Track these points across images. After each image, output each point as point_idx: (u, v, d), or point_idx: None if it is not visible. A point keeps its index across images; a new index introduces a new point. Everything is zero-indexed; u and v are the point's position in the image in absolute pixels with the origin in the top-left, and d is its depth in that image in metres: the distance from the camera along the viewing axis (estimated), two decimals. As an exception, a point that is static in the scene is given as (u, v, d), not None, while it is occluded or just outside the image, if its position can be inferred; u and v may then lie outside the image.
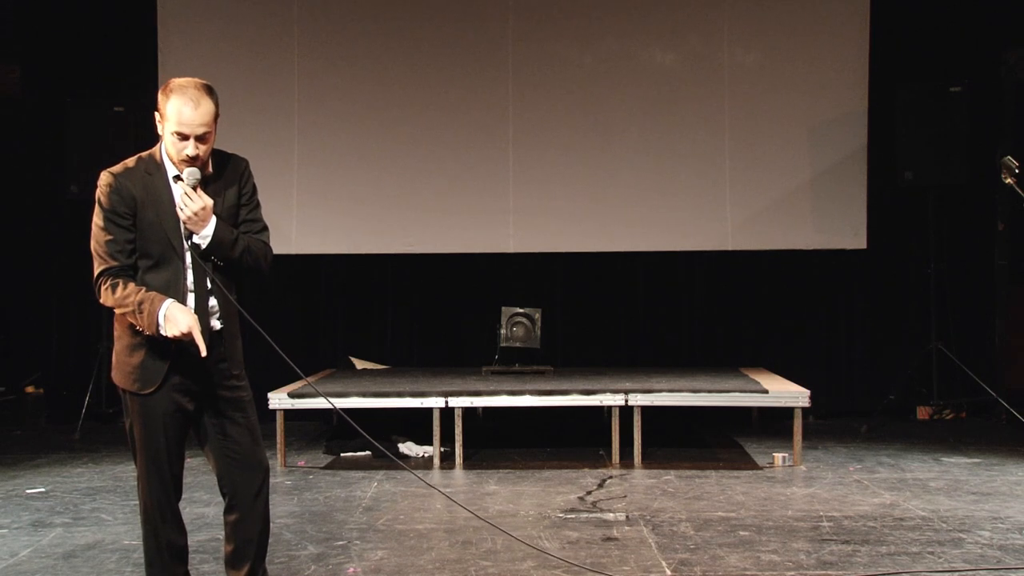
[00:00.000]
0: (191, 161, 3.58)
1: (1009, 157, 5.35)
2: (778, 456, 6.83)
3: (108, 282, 3.56)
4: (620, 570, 4.48)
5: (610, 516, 5.45)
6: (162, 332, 3.49)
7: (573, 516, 5.47)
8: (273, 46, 8.97)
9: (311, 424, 8.35)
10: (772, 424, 8.09)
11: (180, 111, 3.55)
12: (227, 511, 3.77)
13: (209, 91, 3.64)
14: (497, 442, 7.56)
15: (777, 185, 8.88)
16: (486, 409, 7.80)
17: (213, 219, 3.61)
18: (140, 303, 3.51)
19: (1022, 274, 9.02)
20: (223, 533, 3.83)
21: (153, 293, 3.54)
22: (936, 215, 8.49)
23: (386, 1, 9.01)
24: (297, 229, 8.95)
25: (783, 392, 6.98)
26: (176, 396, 3.63)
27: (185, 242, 3.61)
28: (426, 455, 7.13)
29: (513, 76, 8.92)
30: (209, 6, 9.03)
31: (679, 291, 9.14)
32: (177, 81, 3.64)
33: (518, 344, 8.25)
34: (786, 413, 7.04)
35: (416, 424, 7.41)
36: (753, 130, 8.88)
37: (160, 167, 3.64)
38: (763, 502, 5.75)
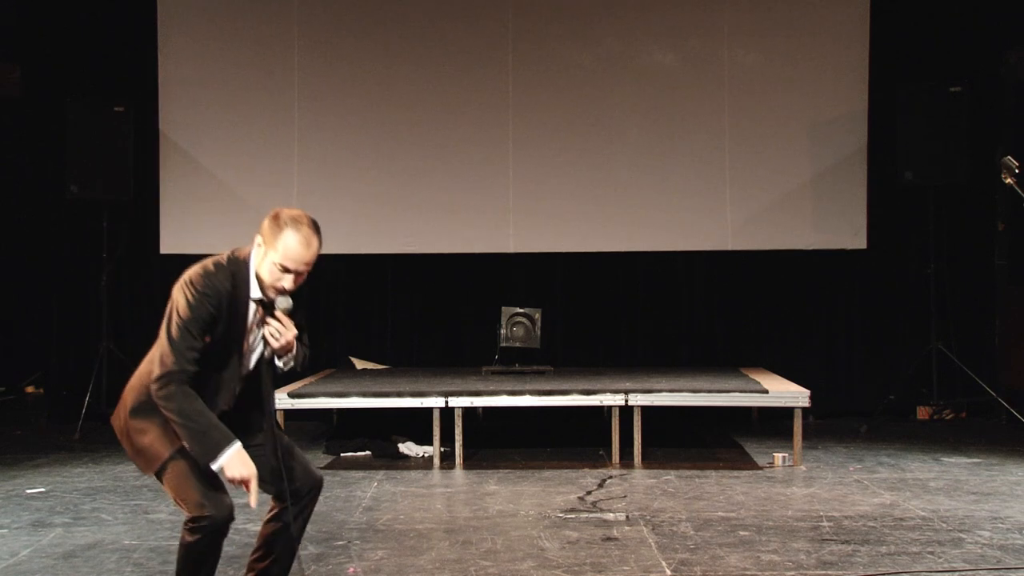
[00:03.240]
0: (284, 290, 3.57)
1: (1009, 157, 5.34)
2: (778, 456, 6.83)
3: (179, 388, 3.44)
4: (620, 570, 4.48)
5: (610, 516, 5.45)
6: (212, 466, 3.44)
7: (573, 516, 5.47)
8: (273, 46, 8.97)
9: (311, 424, 8.34)
10: (772, 424, 8.09)
11: (292, 247, 3.52)
12: (274, 519, 3.74)
13: (319, 230, 3.61)
14: (497, 442, 7.56)
15: (777, 185, 8.88)
16: (486, 409, 7.80)
17: (296, 345, 3.64)
18: (209, 429, 3.43)
19: (1022, 274, 9.01)
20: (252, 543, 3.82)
21: (223, 426, 3.47)
22: (936, 215, 8.49)
23: (386, 1, 9.01)
24: (297, 229, 8.93)
25: (783, 392, 6.98)
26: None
27: (267, 365, 3.62)
28: (426, 455, 7.13)
29: (513, 76, 8.92)
30: (209, 6, 9.03)
31: (679, 291, 9.15)
32: (289, 213, 3.58)
33: (518, 344, 8.25)
34: (786, 413, 7.04)
35: (416, 424, 7.41)
36: (753, 130, 8.88)
37: (246, 284, 3.60)
38: (763, 502, 5.75)
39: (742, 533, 5.07)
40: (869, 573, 4.40)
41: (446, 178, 8.95)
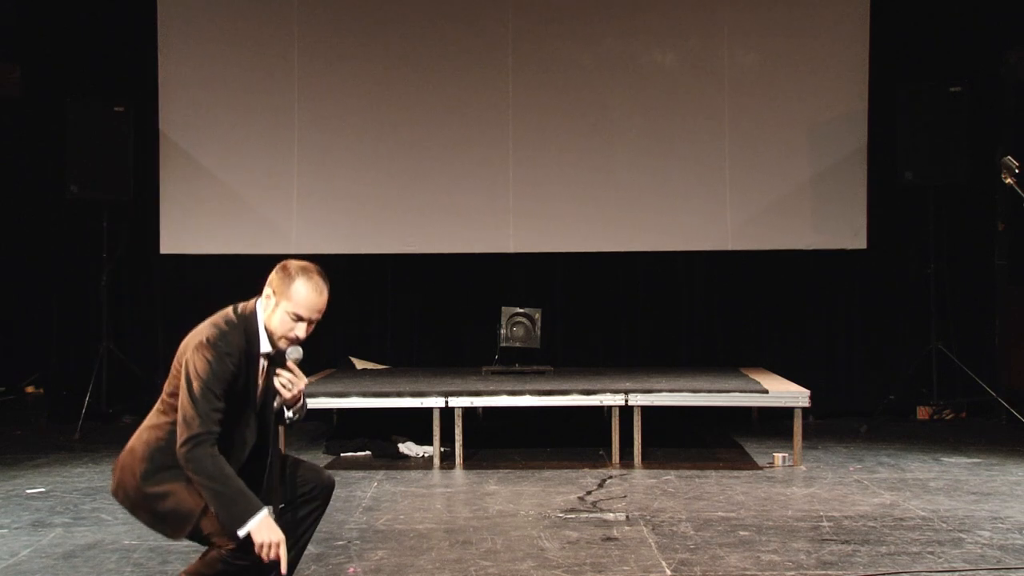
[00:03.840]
0: (295, 340, 3.63)
1: (1009, 157, 5.35)
2: (778, 456, 6.83)
3: (207, 450, 3.44)
4: (620, 570, 4.48)
5: (610, 516, 5.45)
6: (240, 532, 3.42)
7: (573, 516, 5.47)
8: (273, 46, 8.97)
9: (311, 424, 8.34)
10: (772, 424, 8.09)
11: (306, 295, 3.62)
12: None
13: (327, 278, 3.71)
14: (497, 442, 7.56)
15: (777, 185, 8.88)
16: (486, 409, 7.80)
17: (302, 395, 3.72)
18: (237, 495, 3.43)
19: (1022, 274, 9.01)
20: None
21: (250, 492, 3.47)
22: (936, 215, 8.49)
23: (386, 1, 9.01)
24: (297, 229, 8.95)
25: (783, 392, 6.98)
26: None
27: (277, 416, 3.70)
28: (426, 455, 7.13)
29: (513, 76, 8.92)
30: (209, 6, 9.03)
31: (679, 291, 9.14)
32: (297, 263, 3.68)
33: (518, 344, 8.25)
34: (786, 413, 7.04)
35: (416, 424, 7.41)
36: (753, 130, 8.88)
37: (257, 338, 3.65)
38: (763, 502, 5.75)
39: (742, 533, 5.07)
40: (869, 573, 4.40)
41: (446, 178, 8.95)
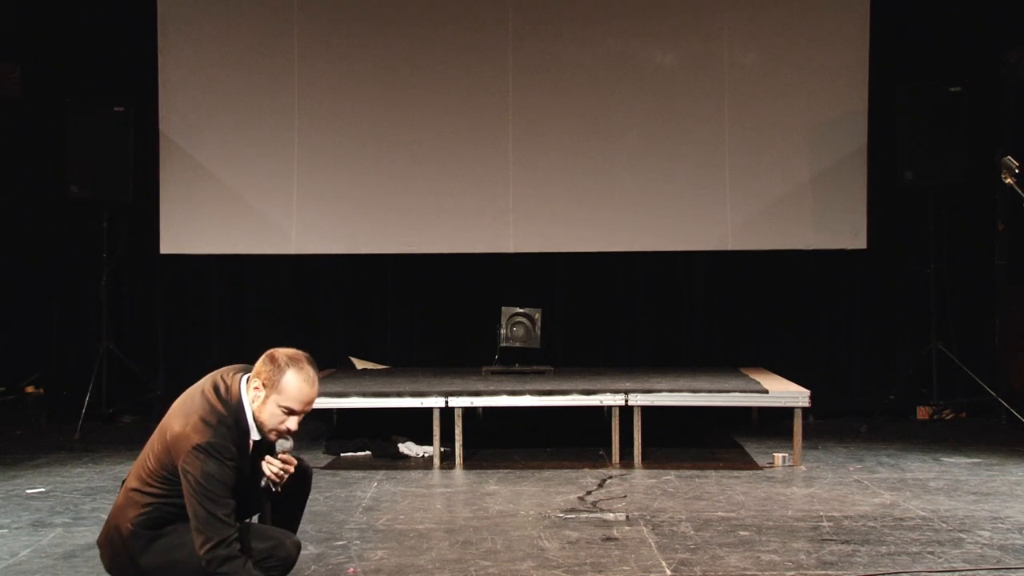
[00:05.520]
0: (286, 432, 3.61)
1: (1009, 157, 5.35)
2: (778, 456, 6.83)
3: (229, 552, 3.47)
4: (620, 570, 4.48)
5: (610, 516, 5.45)
6: None
7: (573, 516, 5.46)
8: (273, 46, 8.97)
9: (311, 424, 8.33)
10: (772, 424, 8.09)
11: (297, 388, 3.56)
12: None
13: (316, 367, 3.67)
14: (497, 442, 7.56)
15: (777, 185, 8.88)
16: (486, 409, 7.80)
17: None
18: None
19: (1022, 274, 9.02)
20: None
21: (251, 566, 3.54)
22: (936, 215, 8.49)
23: (386, 1, 9.01)
24: (297, 229, 8.95)
25: (783, 392, 6.98)
26: None
27: (265, 492, 3.71)
28: (426, 455, 7.13)
29: (513, 76, 8.92)
30: (209, 6, 9.03)
31: (679, 291, 9.14)
32: (285, 353, 3.63)
33: (518, 344, 8.25)
34: (786, 413, 7.04)
35: (416, 424, 7.40)
36: (753, 130, 8.88)
37: (247, 432, 3.62)
38: (763, 502, 5.75)
39: (742, 533, 5.07)
40: (869, 573, 4.40)
41: (446, 178, 8.95)
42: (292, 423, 3.58)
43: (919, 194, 8.51)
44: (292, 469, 3.68)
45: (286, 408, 3.55)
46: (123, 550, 3.61)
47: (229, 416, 3.57)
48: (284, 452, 3.64)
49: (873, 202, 8.83)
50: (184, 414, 3.59)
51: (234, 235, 8.97)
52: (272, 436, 3.60)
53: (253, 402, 3.60)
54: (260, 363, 3.62)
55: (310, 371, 3.60)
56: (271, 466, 3.65)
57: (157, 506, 3.60)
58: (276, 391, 3.55)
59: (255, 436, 3.62)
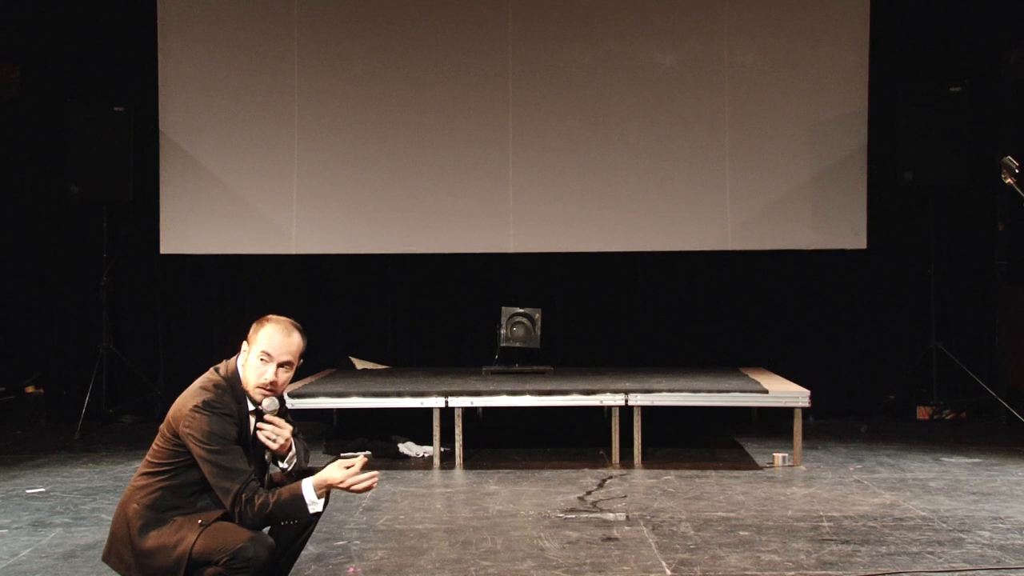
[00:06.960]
0: (270, 389, 3.68)
1: (1009, 157, 5.35)
2: (778, 456, 6.83)
3: (250, 498, 3.54)
4: (620, 570, 4.48)
5: (610, 516, 5.45)
6: (311, 512, 3.61)
7: (573, 516, 5.47)
8: (273, 46, 8.97)
9: (311, 424, 8.34)
10: (772, 424, 8.09)
11: (272, 336, 3.69)
12: None
13: (301, 330, 3.78)
14: (497, 442, 7.56)
15: (777, 185, 8.88)
16: (486, 409, 7.80)
17: (293, 442, 3.77)
18: (285, 504, 3.58)
19: (1022, 274, 9.01)
20: None
21: (287, 492, 3.60)
22: (936, 215, 8.49)
23: (386, 1, 9.01)
24: (297, 229, 8.95)
25: (783, 392, 6.98)
26: None
27: (272, 467, 3.78)
28: (426, 455, 7.13)
29: (513, 76, 8.92)
30: (209, 6, 9.03)
31: (679, 291, 9.14)
32: (273, 316, 3.80)
33: (518, 344, 8.25)
34: (786, 413, 7.04)
35: (416, 424, 7.41)
36: (753, 130, 8.88)
37: (244, 399, 3.71)
38: (763, 502, 5.75)
39: (742, 533, 5.07)
40: (869, 573, 4.40)
41: (446, 178, 8.95)
42: (270, 373, 3.66)
43: (919, 194, 8.51)
44: (287, 434, 3.74)
45: (263, 354, 3.66)
46: (125, 529, 3.64)
47: (226, 384, 3.69)
48: (271, 412, 3.71)
49: (873, 202, 8.83)
50: (185, 396, 3.71)
51: (234, 235, 8.97)
52: (258, 395, 3.68)
53: (242, 368, 3.71)
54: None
55: (287, 323, 3.75)
56: (263, 431, 3.72)
57: (163, 488, 3.64)
58: (255, 343, 3.70)
59: (252, 406, 3.70)
